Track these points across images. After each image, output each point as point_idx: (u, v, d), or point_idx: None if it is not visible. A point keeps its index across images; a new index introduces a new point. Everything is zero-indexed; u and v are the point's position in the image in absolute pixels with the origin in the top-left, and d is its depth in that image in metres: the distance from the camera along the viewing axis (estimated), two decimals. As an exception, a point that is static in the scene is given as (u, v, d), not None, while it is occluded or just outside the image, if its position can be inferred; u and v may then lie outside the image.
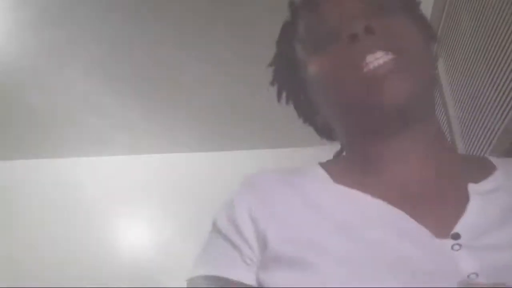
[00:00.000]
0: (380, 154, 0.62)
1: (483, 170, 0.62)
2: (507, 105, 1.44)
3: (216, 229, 0.64)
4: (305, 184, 0.64)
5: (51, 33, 2.56)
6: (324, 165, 0.68)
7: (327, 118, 0.69)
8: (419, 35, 0.63)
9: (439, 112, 2.15)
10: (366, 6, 0.62)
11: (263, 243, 0.58)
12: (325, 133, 0.75)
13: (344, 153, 0.71)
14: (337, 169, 0.65)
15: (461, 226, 0.53)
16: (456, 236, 0.52)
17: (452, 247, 0.51)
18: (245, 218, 0.61)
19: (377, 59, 0.57)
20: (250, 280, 0.57)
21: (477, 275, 0.48)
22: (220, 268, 0.59)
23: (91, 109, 3.16)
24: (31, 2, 2.38)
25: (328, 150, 0.78)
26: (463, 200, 0.56)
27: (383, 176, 0.61)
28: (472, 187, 0.58)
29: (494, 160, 0.65)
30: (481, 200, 0.56)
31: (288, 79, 0.73)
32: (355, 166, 0.65)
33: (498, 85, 1.50)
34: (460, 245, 0.51)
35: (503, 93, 1.47)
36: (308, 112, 0.74)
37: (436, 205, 0.57)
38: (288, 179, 0.65)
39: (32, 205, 3.51)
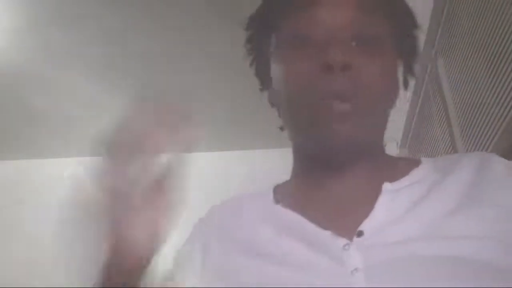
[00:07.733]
0: (321, 183, 0.64)
1: (404, 169, 0.64)
2: (507, 105, 1.44)
3: (176, 263, 0.68)
4: (249, 211, 0.67)
5: (51, 34, 2.56)
6: (278, 187, 0.70)
7: (280, 110, 0.70)
8: (393, 73, 0.64)
9: (439, 112, 2.15)
10: (357, 17, 0.61)
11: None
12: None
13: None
14: (285, 191, 0.68)
15: (366, 224, 0.57)
16: (360, 234, 0.56)
17: (343, 247, 0.55)
18: (199, 256, 0.65)
19: (337, 104, 0.58)
20: None
21: (357, 270, 0.52)
22: None
23: (91, 109, 3.16)
24: (32, 3, 2.39)
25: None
26: (375, 199, 0.59)
27: (320, 193, 0.64)
28: (385, 186, 0.60)
29: (426, 160, 0.66)
30: (391, 196, 0.59)
31: (260, 45, 0.75)
32: (298, 188, 0.67)
33: (498, 85, 1.50)
34: (349, 244, 0.55)
35: (503, 93, 1.47)
36: (264, 83, 0.75)
37: (352, 210, 0.60)
38: (239, 212, 0.68)
39: (32, 205, 3.51)
